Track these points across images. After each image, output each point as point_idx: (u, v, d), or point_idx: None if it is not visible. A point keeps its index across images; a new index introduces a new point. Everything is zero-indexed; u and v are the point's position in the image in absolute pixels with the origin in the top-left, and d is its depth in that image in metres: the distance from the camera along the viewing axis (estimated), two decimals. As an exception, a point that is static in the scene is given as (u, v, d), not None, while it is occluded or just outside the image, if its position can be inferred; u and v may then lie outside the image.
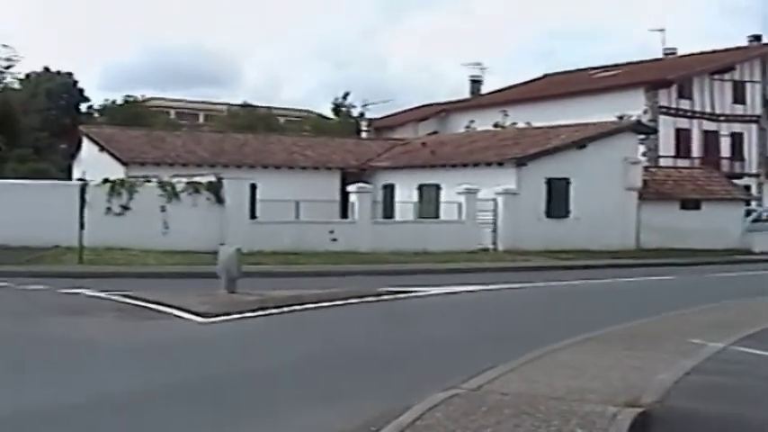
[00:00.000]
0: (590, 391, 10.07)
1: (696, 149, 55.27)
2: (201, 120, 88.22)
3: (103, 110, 74.21)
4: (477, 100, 64.54)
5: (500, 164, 39.67)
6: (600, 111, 45.95)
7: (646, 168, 43.94)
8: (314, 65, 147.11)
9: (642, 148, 45.82)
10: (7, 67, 62.48)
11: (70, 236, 29.18)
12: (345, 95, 73.47)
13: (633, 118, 46.16)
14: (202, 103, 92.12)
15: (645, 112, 51.00)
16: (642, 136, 44.86)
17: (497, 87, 67.40)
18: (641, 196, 41.52)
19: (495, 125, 51.71)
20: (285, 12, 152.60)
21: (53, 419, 9.49)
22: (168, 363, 13.21)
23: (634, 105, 49.95)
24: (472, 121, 55.42)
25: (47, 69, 74.92)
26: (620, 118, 45.76)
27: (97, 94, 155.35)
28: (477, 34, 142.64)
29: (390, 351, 14.46)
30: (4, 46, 61.03)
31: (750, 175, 57.06)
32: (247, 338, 15.94)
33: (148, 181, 33.59)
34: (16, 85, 66.56)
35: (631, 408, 9.19)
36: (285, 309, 18.92)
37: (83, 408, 9.97)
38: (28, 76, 70.45)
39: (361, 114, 68.03)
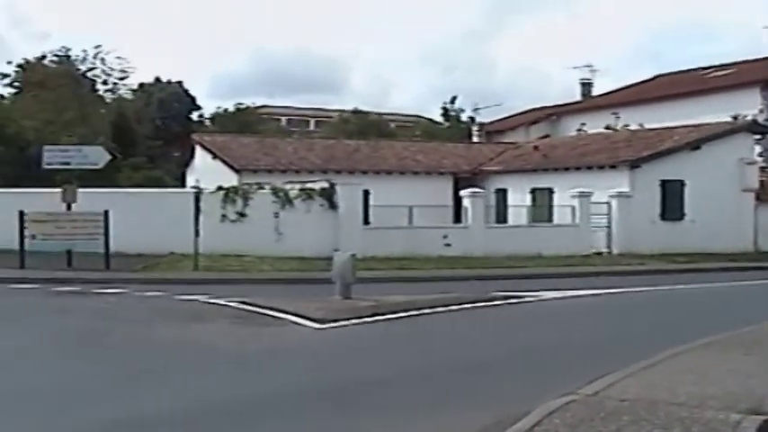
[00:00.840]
0: (711, 396, 9.82)
1: (815, 148, 53.79)
2: (312, 126, 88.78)
3: (214, 118, 75.22)
4: (588, 102, 63.72)
5: (613, 166, 39.14)
6: (713, 111, 44.92)
7: (762, 169, 42.89)
8: (421, 69, 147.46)
9: (758, 149, 44.70)
10: (121, 79, 63.64)
11: (185, 243, 29.56)
12: (453, 99, 73.37)
13: (748, 118, 45.04)
14: (312, 109, 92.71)
15: (761, 111, 49.68)
16: (758, 136, 43.74)
17: (608, 89, 66.48)
18: (758, 197, 40.57)
19: (607, 127, 50.95)
20: (392, 17, 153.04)
21: (168, 425, 9.59)
22: (284, 369, 13.26)
23: (749, 105, 48.63)
24: (583, 124, 54.73)
25: (158, 79, 76.28)
26: (735, 118, 44.66)
27: (207, 103, 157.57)
28: (585, 35, 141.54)
29: (505, 356, 14.38)
30: (118, 58, 62.25)
31: None
32: (362, 344, 15.93)
33: (262, 188, 33.90)
34: (129, 96, 67.77)
35: (755, 415, 8.95)
36: (399, 314, 18.88)
37: (198, 414, 10.06)
38: (141, 86, 71.75)
39: (472, 118, 67.75)
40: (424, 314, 19.22)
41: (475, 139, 60.93)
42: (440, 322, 18.71)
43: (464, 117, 70.53)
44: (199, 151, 47.37)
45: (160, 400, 10.78)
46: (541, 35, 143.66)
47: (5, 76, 65.69)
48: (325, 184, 34.31)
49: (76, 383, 11.57)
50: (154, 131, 65.62)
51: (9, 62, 71.22)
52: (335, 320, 17.81)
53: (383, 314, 18.80)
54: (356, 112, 75.07)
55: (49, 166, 30.80)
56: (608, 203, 37.44)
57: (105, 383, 11.75)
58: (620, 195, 37.43)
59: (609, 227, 37.42)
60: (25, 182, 38.52)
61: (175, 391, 11.42)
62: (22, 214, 28.63)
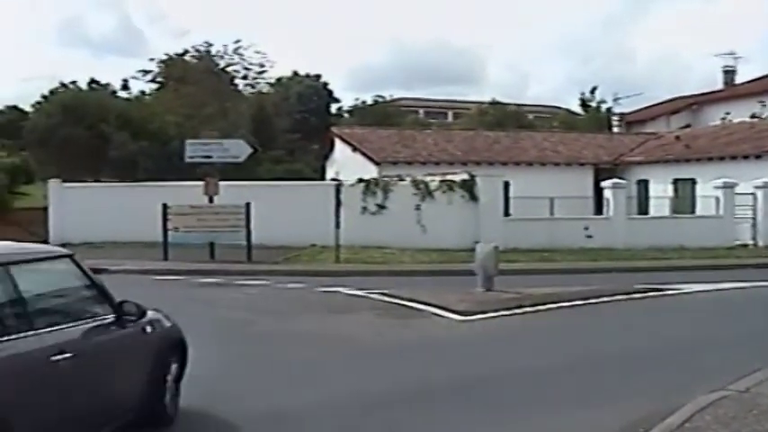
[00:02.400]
0: None
1: None
2: (450, 118, 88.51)
3: (352, 111, 75.57)
4: (731, 91, 61.88)
5: (758, 156, 37.81)
6: None
7: None
8: (559, 60, 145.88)
9: None
10: (260, 73, 64.31)
11: (326, 235, 29.62)
12: (593, 90, 72.11)
13: None
14: (450, 101, 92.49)
15: None
16: None
17: (752, 77, 64.54)
18: None
19: (752, 116, 49.44)
20: (529, 6, 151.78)
21: (312, 417, 9.44)
22: (427, 361, 13.09)
23: None
24: (727, 113, 53.21)
25: (296, 73, 76.94)
26: None
27: (345, 96, 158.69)
28: (727, 22, 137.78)
29: (648, 350, 13.96)
30: (257, 52, 62.91)
31: None
32: (506, 337, 15.63)
33: (402, 180, 33.77)
34: (268, 90, 68.49)
35: None
36: (542, 307, 18.52)
37: (341, 406, 9.93)
38: (279, 80, 72.45)
39: (610, 109, 66.62)
40: (566, 307, 18.81)
41: (615, 129, 59.91)
42: (583, 315, 18.29)
43: (604, 107, 69.30)
44: (338, 144, 47.60)
45: (304, 392, 10.68)
46: (682, 23, 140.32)
47: (147, 72, 67.00)
48: (466, 176, 33.99)
49: (220, 376, 11.48)
50: (292, 125, 66.23)
51: (151, 59, 72.55)
52: (478, 312, 17.57)
53: (526, 306, 18.46)
54: (494, 103, 74.54)
55: (191, 160, 31.22)
56: (753, 194, 36.12)
57: (250, 376, 11.67)
58: (765, 186, 36.10)
59: (754, 218, 36.10)
60: (167, 175, 39.21)
61: (319, 383, 11.32)
62: (165, 207, 29.06)
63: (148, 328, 8.68)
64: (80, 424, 7.23)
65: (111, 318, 8.05)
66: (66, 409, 6.93)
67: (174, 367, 9.17)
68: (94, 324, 7.77)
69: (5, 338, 6.31)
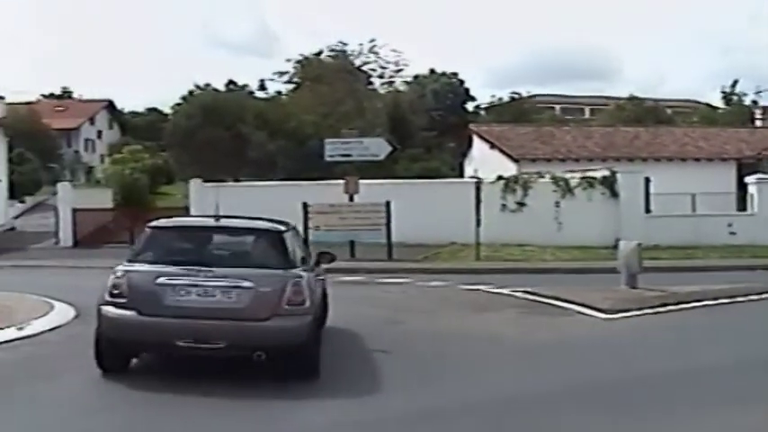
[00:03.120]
0: None
1: None
2: (587, 114, 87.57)
3: (489, 108, 75.33)
4: None
5: None
6: None
7: None
8: (698, 54, 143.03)
9: None
10: (396, 71, 64.62)
11: (465, 233, 29.57)
12: (734, 83, 70.59)
13: None
14: (586, 97, 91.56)
15: None
16: None
17: None
18: None
19: None
20: (665, 2, 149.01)
21: (460, 416, 9.37)
22: (573, 360, 12.96)
23: None
24: None
25: (432, 71, 77.03)
26: None
27: (481, 93, 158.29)
28: None
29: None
30: (393, 51, 63.17)
31: None
32: (651, 336, 15.33)
33: (542, 177, 33.51)
34: (404, 88, 68.74)
35: None
36: (687, 305, 18.13)
37: (488, 405, 9.85)
38: (415, 77, 72.65)
39: (754, 102, 65.00)
40: (712, 305, 18.37)
41: (758, 123, 58.33)
42: (730, 314, 17.82)
43: (746, 101, 67.69)
44: (476, 141, 47.48)
45: (449, 391, 10.64)
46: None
47: (283, 73, 67.82)
48: (606, 173, 33.57)
49: (367, 374, 11.54)
50: (429, 123, 66.32)
51: (287, 59, 73.47)
52: (622, 311, 17.30)
53: (670, 305, 18.09)
54: (631, 98, 73.45)
55: (331, 159, 31.44)
56: None
57: (396, 374, 11.65)
58: None
59: None
60: (305, 174, 39.61)
61: (464, 381, 11.26)
62: (305, 206, 29.32)
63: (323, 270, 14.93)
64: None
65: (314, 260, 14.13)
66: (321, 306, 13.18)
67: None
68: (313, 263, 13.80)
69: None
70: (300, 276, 11.46)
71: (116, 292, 11.40)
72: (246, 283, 10.98)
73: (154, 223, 12.37)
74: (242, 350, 10.97)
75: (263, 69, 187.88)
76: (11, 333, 13.93)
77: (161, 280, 11.07)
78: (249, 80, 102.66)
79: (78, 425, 8.66)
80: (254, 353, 10.86)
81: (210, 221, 13.86)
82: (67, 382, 10.90)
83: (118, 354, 11.22)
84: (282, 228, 12.55)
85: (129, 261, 11.73)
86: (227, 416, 9.31)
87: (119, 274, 11.50)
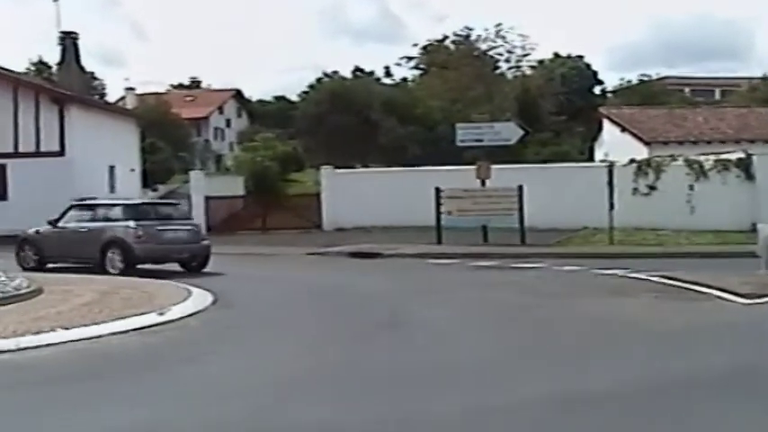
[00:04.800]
0: None
1: None
2: (717, 96, 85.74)
3: (616, 91, 74.40)
4: None
5: None
6: None
7: None
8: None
9: None
10: (523, 56, 64.25)
11: (598, 217, 29.36)
12: None
13: None
14: (716, 78, 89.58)
15: None
16: None
17: None
18: None
19: None
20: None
21: (599, 402, 9.22)
22: (713, 346, 12.55)
23: None
24: None
25: (557, 55, 76.41)
26: None
27: (607, 75, 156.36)
28: None
29: None
30: (519, 35, 62.82)
31: None
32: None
33: (674, 160, 33.02)
34: (531, 72, 68.31)
35: None
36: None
37: (628, 391, 9.66)
38: (541, 62, 72.13)
39: None
40: None
41: None
42: None
43: None
44: (606, 125, 47.00)
45: (590, 376, 10.51)
46: None
47: (410, 59, 68.01)
48: (742, 155, 32.89)
49: (506, 359, 11.54)
50: (557, 106, 65.82)
51: (414, 44, 73.66)
52: (763, 296, 16.83)
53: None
54: (765, 78, 71.65)
55: (463, 144, 31.55)
56: None
57: (535, 359, 11.65)
58: None
59: None
60: (434, 160, 39.74)
61: (604, 367, 11.12)
62: (438, 191, 29.47)
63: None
64: None
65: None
66: None
67: None
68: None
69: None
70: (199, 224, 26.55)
71: (140, 234, 23.20)
72: (192, 227, 25.15)
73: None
74: (193, 259, 24.17)
75: (387, 56, 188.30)
76: (152, 318, 14.30)
77: (160, 227, 23.79)
78: (374, 67, 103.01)
79: (217, 407, 8.85)
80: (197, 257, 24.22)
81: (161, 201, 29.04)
82: (207, 366, 11.13)
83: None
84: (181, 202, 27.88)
85: (137, 221, 23.57)
86: (359, 403, 9.36)
87: (136, 227, 23.34)
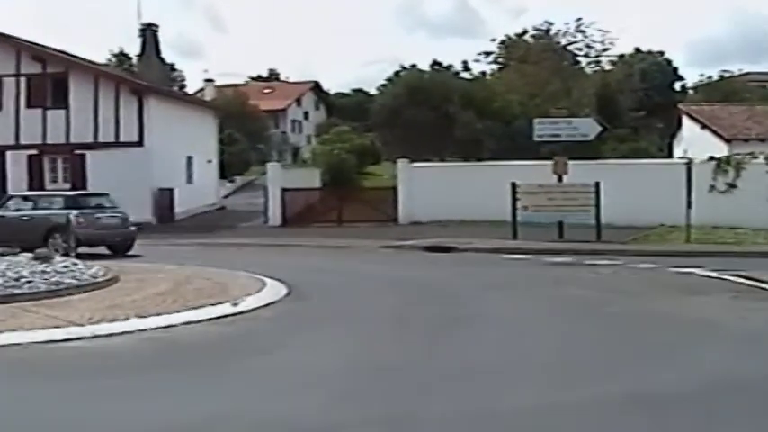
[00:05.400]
0: None
1: None
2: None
3: (697, 87, 73.52)
4: None
5: None
6: None
7: None
8: None
9: None
10: (603, 51, 63.78)
11: (675, 214, 29.02)
12: None
13: None
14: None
15: None
16: None
17: None
18: None
19: None
20: None
21: (677, 402, 9.10)
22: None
23: None
24: None
25: (638, 50, 75.66)
26: None
27: (687, 71, 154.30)
28: None
29: None
30: (599, 30, 62.36)
31: None
32: None
33: (755, 158, 32.49)
34: (610, 68, 67.76)
35: None
36: None
37: (706, 391, 9.55)
38: (621, 57, 71.52)
39: None
40: None
41: None
42: None
43: None
44: (686, 121, 46.52)
45: (663, 375, 10.38)
46: None
47: (489, 53, 67.85)
48: (822, 153, 32.28)
49: (579, 356, 11.46)
50: (636, 102, 65.22)
51: (492, 39, 73.48)
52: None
53: None
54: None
55: (540, 139, 31.37)
56: None
57: (608, 357, 11.56)
58: None
59: None
60: (510, 154, 39.66)
61: (677, 366, 10.98)
62: (514, 186, 29.38)
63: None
64: None
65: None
66: None
67: None
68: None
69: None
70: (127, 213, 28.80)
71: (80, 221, 26.78)
72: (122, 215, 28.37)
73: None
74: (123, 242, 27.54)
75: (465, 50, 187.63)
76: (226, 308, 14.43)
77: (97, 215, 27.56)
78: (451, 60, 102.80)
79: (288, 398, 8.90)
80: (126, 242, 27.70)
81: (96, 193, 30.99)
82: (279, 357, 11.22)
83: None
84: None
85: (77, 209, 27.12)
86: (431, 396, 9.38)
87: (77, 215, 26.89)
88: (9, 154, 40.12)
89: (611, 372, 10.53)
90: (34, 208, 27.88)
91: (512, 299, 16.86)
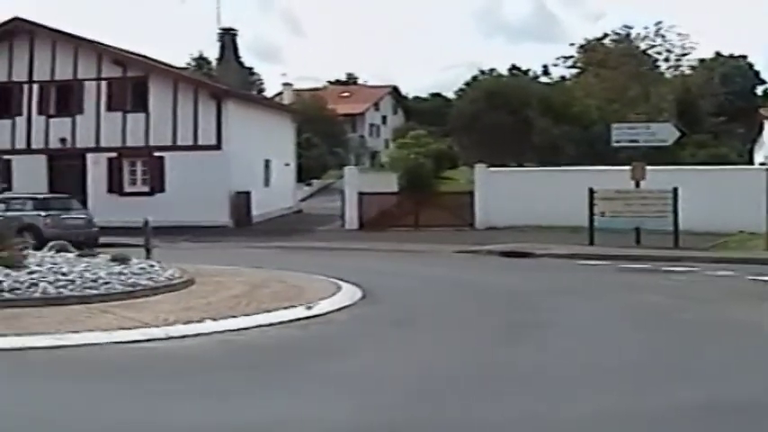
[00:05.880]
0: None
1: None
2: None
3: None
4: None
5: None
6: None
7: None
8: None
9: None
10: (683, 55, 63.11)
11: (754, 221, 28.57)
12: None
13: None
14: None
15: None
16: None
17: None
18: None
19: None
20: None
21: (736, 413, 8.92)
22: None
23: None
24: None
25: (719, 54, 74.74)
26: None
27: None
28: None
29: None
30: (679, 34, 61.73)
31: None
32: None
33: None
34: (691, 72, 67.02)
35: None
36: None
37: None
38: (701, 61, 70.70)
39: None
40: None
41: None
42: None
43: None
44: (767, 127, 45.79)
45: (737, 384, 10.25)
46: None
47: (567, 58, 67.56)
48: None
49: (651, 363, 11.35)
50: (717, 107, 64.43)
51: (571, 44, 73.15)
52: None
53: None
54: None
55: (618, 144, 31.22)
56: None
57: (681, 364, 11.45)
58: None
59: None
60: (589, 160, 39.43)
61: (752, 376, 10.80)
62: (591, 192, 29.24)
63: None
64: None
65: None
66: None
67: None
68: None
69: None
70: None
71: (47, 221, 31.02)
72: (86, 216, 33.00)
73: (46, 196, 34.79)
74: (86, 241, 27.99)
75: (543, 54, 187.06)
76: (300, 312, 14.50)
77: (63, 216, 31.62)
78: (530, 65, 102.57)
79: (359, 403, 8.93)
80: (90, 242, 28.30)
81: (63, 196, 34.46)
82: (352, 361, 11.27)
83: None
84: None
85: (45, 210, 31.50)
86: (502, 402, 9.41)
87: (45, 215, 31.17)
88: (89, 156, 40.83)
89: (685, 379, 10.39)
90: (7, 209, 30.52)
91: (586, 305, 16.79)
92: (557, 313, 15.55)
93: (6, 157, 39.97)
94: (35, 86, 41.17)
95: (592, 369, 10.78)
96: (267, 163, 45.46)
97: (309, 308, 14.90)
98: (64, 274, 15.84)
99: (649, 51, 63.13)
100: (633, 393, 9.54)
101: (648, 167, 29.87)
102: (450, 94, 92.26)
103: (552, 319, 14.89)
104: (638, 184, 29.67)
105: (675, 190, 28.68)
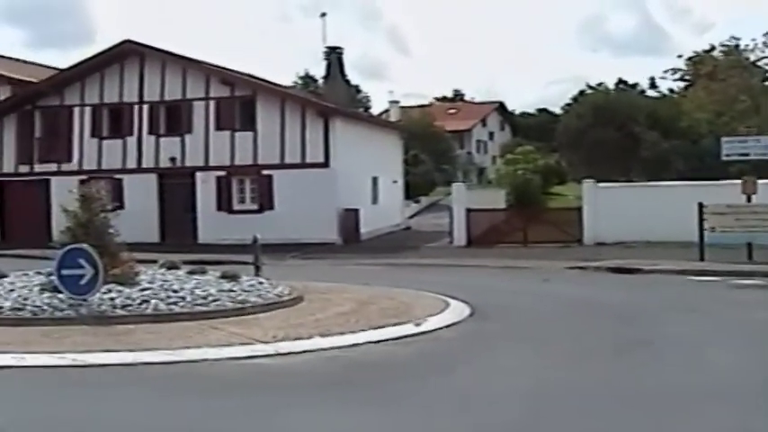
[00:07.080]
0: None
1: None
2: None
3: None
4: None
5: None
6: None
7: None
8: None
9: None
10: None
11: None
12: None
13: None
14: None
15: None
16: None
17: None
18: None
19: None
20: None
21: None
22: None
23: None
24: None
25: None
26: None
27: None
28: None
29: None
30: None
31: None
32: None
33: None
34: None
35: None
36: None
37: None
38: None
39: None
40: None
41: None
42: None
43: None
44: None
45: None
46: None
47: (676, 70, 66.74)
48: None
49: (764, 384, 11.28)
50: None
51: (679, 56, 72.16)
52: None
53: None
54: None
55: (728, 158, 30.80)
56: None
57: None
58: None
59: None
60: (698, 174, 38.91)
61: None
62: (701, 206, 28.89)
63: None
64: None
65: None
66: None
67: None
68: None
69: None
70: None
71: None
72: None
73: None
74: None
75: (649, 67, 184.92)
76: (408, 328, 14.68)
77: None
78: (636, 79, 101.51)
79: (464, 419, 9.05)
80: None
81: None
82: (459, 377, 11.40)
83: None
84: None
85: None
86: (608, 421, 9.44)
87: None
88: (199, 175, 41.48)
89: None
90: None
91: (696, 322, 16.62)
92: (666, 330, 15.45)
93: (118, 176, 40.75)
94: (145, 107, 42.00)
95: (699, 389, 10.69)
96: (375, 180, 45.72)
97: (418, 324, 15.06)
98: (175, 291, 16.33)
99: (758, 63, 62.02)
100: (748, 412, 9.51)
101: (760, 181, 29.41)
102: (557, 110, 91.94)
103: (662, 335, 14.80)
104: (749, 199, 29.20)
105: (790, 204, 28.22)
